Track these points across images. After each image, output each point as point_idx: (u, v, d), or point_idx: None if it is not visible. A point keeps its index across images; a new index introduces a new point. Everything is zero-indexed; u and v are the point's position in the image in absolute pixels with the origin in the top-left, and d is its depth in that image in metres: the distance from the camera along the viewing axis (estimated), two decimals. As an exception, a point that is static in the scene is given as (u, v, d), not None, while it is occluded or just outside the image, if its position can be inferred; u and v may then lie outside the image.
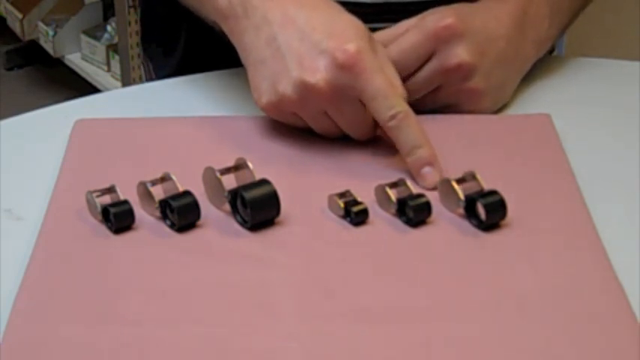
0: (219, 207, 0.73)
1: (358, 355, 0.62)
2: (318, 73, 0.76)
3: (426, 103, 0.86)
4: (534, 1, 0.89)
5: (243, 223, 0.72)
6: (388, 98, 0.76)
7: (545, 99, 0.91)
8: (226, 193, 0.72)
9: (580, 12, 0.96)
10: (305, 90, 0.76)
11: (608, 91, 0.93)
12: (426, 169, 0.77)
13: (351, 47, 0.76)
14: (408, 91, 0.85)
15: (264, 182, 0.72)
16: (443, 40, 0.83)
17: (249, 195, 0.71)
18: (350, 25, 0.78)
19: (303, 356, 0.61)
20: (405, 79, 0.84)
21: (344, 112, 0.78)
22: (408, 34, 0.84)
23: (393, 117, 0.77)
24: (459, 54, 0.83)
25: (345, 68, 0.76)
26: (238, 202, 0.72)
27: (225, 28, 0.83)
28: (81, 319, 0.64)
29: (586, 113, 0.89)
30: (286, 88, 0.77)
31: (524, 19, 0.88)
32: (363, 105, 0.77)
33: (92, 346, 0.62)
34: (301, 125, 0.81)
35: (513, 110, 0.88)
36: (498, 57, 0.86)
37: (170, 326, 0.63)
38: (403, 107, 0.77)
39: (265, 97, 0.79)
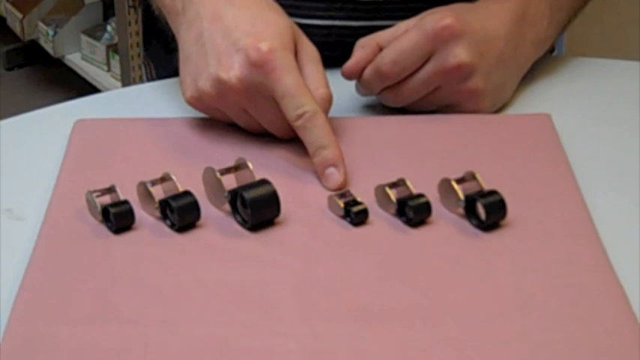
0: (219, 207, 0.73)
1: (358, 355, 0.62)
2: (231, 71, 0.77)
3: (426, 103, 0.86)
4: (533, 1, 0.89)
5: (243, 224, 0.72)
6: (296, 97, 0.76)
7: (545, 99, 0.91)
8: (226, 193, 0.72)
9: (580, 11, 0.96)
10: (220, 86, 0.78)
11: (608, 90, 0.93)
12: (330, 170, 0.77)
13: (264, 46, 0.77)
14: (408, 91, 0.85)
15: (264, 182, 0.72)
16: (442, 40, 0.83)
17: (249, 195, 0.71)
18: (271, 23, 0.79)
19: (303, 356, 0.61)
20: (404, 80, 0.84)
21: (260, 110, 0.79)
22: (407, 35, 0.84)
23: (299, 116, 0.77)
24: (458, 54, 0.83)
25: (257, 66, 0.76)
26: (238, 202, 0.72)
27: (170, 24, 0.86)
28: (81, 319, 0.64)
29: (586, 113, 0.89)
30: (205, 83, 0.79)
31: (523, 18, 0.88)
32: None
33: (92, 346, 0.62)
34: (227, 120, 0.82)
35: (513, 110, 0.88)
36: (498, 57, 0.86)
37: (170, 326, 0.63)
38: (311, 107, 0.77)
39: (189, 91, 0.81)
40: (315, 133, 0.77)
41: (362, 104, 0.89)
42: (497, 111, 0.88)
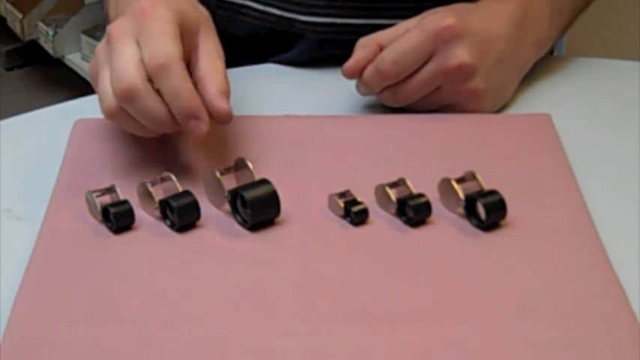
0: (219, 207, 0.73)
1: (358, 355, 0.62)
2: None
3: (426, 103, 0.86)
4: (535, 2, 0.89)
5: (243, 223, 0.72)
6: (155, 42, 0.73)
7: (545, 99, 0.91)
8: (226, 193, 0.72)
9: (581, 13, 0.96)
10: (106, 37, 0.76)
11: (608, 91, 0.93)
12: (192, 123, 0.73)
13: (146, 2, 0.75)
14: (409, 91, 0.85)
15: (264, 182, 0.72)
16: (443, 40, 0.83)
17: (249, 195, 0.71)
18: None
19: (303, 356, 0.61)
20: (405, 80, 0.84)
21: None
22: (408, 35, 0.83)
23: (153, 61, 0.73)
24: (460, 55, 0.83)
25: (135, 14, 0.75)
26: (238, 202, 0.72)
27: None
28: (81, 319, 0.64)
29: (586, 113, 0.89)
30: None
31: (524, 19, 0.88)
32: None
33: (92, 346, 0.62)
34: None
35: (513, 110, 0.88)
36: (498, 57, 0.86)
37: (170, 326, 0.63)
38: (168, 53, 0.73)
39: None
40: (168, 82, 0.72)
41: (362, 104, 0.89)
42: (498, 111, 0.88)
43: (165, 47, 0.72)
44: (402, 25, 0.85)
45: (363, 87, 0.86)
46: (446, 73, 0.83)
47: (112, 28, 0.74)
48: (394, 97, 0.86)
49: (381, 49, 0.84)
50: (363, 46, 0.85)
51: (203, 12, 0.79)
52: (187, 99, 0.72)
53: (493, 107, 0.87)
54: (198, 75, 0.75)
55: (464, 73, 0.83)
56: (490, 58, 0.85)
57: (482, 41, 0.84)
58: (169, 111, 0.72)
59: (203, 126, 0.72)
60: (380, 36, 0.85)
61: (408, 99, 0.86)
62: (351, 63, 0.85)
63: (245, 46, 1.00)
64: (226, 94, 0.75)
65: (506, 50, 0.86)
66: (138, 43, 0.73)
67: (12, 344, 0.62)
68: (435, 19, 0.83)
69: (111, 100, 0.73)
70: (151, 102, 0.72)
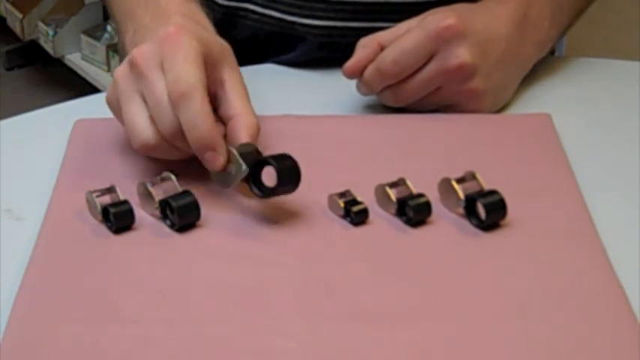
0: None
1: (358, 355, 0.61)
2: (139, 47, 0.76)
3: (427, 103, 0.86)
4: (535, 3, 0.89)
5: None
6: (177, 69, 0.73)
7: (545, 99, 0.91)
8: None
9: (582, 13, 0.96)
10: (129, 60, 0.76)
11: (608, 91, 0.93)
12: (209, 154, 0.73)
13: (172, 27, 0.75)
14: (409, 91, 0.85)
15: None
16: (444, 40, 0.83)
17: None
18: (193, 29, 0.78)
19: (303, 356, 0.61)
20: (405, 79, 0.84)
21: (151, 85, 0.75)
22: (409, 35, 0.83)
23: (174, 90, 0.72)
24: (460, 55, 0.83)
25: (160, 40, 0.75)
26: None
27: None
28: (81, 319, 0.64)
29: (586, 113, 0.89)
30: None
31: (524, 19, 0.88)
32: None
33: (92, 346, 0.62)
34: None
35: (513, 110, 0.88)
36: (499, 58, 0.86)
37: (170, 326, 0.63)
38: (190, 80, 0.72)
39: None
40: (188, 111, 0.71)
41: (362, 104, 0.89)
42: (498, 111, 0.88)
43: (189, 75, 0.72)
44: (403, 25, 0.85)
45: (364, 86, 0.86)
46: (447, 73, 0.83)
47: (136, 55, 0.74)
48: (395, 97, 0.86)
49: (382, 49, 0.84)
50: (364, 46, 0.85)
51: (225, 44, 0.79)
52: (206, 130, 0.71)
53: (493, 107, 0.87)
54: (228, 113, 0.76)
55: (465, 73, 0.83)
56: (491, 58, 0.85)
57: (483, 41, 0.84)
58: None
59: (220, 159, 0.72)
60: (381, 36, 0.85)
61: (408, 99, 0.86)
62: (351, 63, 0.85)
63: (245, 47, 1.00)
64: (256, 137, 0.75)
65: (506, 50, 0.86)
66: (162, 69, 0.73)
67: (12, 344, 0.62)
68: (436, 18, 0.83)
69: (149, 135, 0.73)
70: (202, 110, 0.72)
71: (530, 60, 0.91)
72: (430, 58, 0.83)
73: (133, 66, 0.74)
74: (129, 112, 0.74)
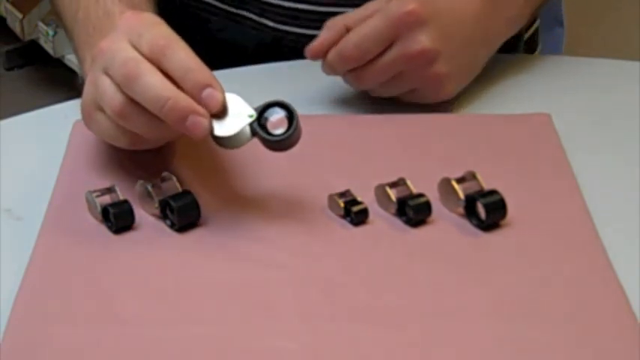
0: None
1: (358, 355, 0.62)
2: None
3: (390, 87, 0.85)
4: None
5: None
6: (153, 28, 0.72)
7: (545, 99, 0.91)
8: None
9: None
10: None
11: (608, 91, 0.93)
12: (207, 91, 0.70)
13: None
14: (371, 75, 0.84)
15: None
16: (405, 26, 0.82)
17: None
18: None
19: (303, 356, 0.61)
20: (367, 64, 0.83)
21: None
22: (371, 19, 0.83)
23: (156, 44, 0.71)
24: (422, 40, 0.82)
25: (127, 16, 0.74)
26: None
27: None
28: (81, 319, 0.64)
29: (586, 113, 0.89)
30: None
31: None
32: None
33: (92, 346, 0.62)
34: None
35: (513, 110, 0.88)
36: (465, 39, 0.85)
37: (170, 326, 0.63)
38: (168, 35, 0.72)
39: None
40: (175, 58, 0.70)
41: (362, 104, 0.89)
42: (498, 111, 0.88)
43: (164, 31, 0.72)
44: (370, 5, 0.85)
45: (327, 69, 0.86)
46: (408, 58, 0.83)
47: (100, 44, 0.73)
48: (357, 81, 0.86)
49: (348, 30, 0.84)
50: (329, 28, 0.85)
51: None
52: (200, 70, 0.70)
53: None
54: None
55: (426, 58, 0.83)
56: (455, 40, 0.84)
57: (448, 24, 0.84)
58: (175, 88, 0.69)
59: (219, 95, 0.70)
60: (347, 17, 0.85)
61: (370, 83, 0.85)
62: (314, 45, 0.85)
63: (241, 51, 1.00)
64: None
65: (474, 29, 0.86)
66: (131, 43, 0.71)
67: (12, 344, 0.62)
68: (398, 3, 0.83)
69: (116, 96, 0.70)
70: (157, 77, 0.69)
71: (501, 36, 0.90)
72: (393, 43, 0.83)
73: (98, 53, 0.73)
74: (100, 87, 0.72)
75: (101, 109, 0.73)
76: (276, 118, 0.71)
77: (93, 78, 0.73)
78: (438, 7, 0.84)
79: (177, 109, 0.68)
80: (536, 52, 1.14)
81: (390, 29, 0.82)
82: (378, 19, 0.83)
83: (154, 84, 0.69)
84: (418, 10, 0.82)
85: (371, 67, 0.84)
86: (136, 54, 0.70)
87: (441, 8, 0.84)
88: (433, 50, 0.83)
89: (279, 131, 0.71)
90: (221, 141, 0.71)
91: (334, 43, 0.84)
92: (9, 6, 2.85)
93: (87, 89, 0.74)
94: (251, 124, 0.70)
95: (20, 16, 2.80)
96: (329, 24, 0.85)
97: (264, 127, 0.71)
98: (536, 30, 1.13)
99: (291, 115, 0.71)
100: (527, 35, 1.09)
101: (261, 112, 0.71)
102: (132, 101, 0.70)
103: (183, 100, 0.68)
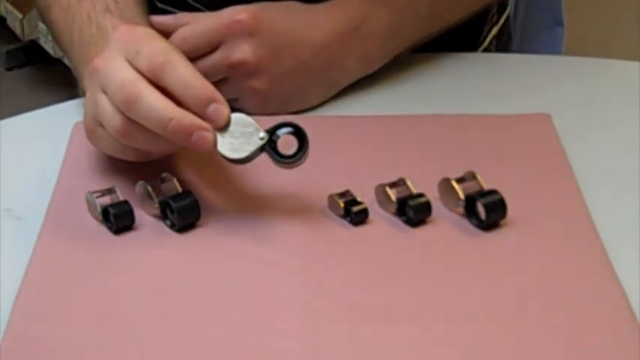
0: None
1: (358, 355, 0.62)
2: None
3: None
4: (373, 18, 0.88)
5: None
6: (154, 41, 0.73)
7: (545, 99, 0.91)
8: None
9: (430, 38, 0.94)
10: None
11: (608, 91, 0.93)
12: (213, 107, 0.70)
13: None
14: None
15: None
16: (232, 33, 0.83)
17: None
18: None
19: (303, 356, 0.61)
20: (192, 62, 0.83)
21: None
22: (205, 19, 0.84)
23: (157, 61, 0.71)
24: (244, 51, 0.83)
25: (122, 30, 0.74)
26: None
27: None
28: (81, 318, 0.64)
29: (586, 113, 0.89)
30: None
31: (355, 32, 0.87)
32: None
33: (92, 346, 0.62)
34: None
35: (513, 110, 0.88)
36: (298, 64, 0.85)
37: (170, 326, 0.63)
38: (169, 50, 0.72)
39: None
40: (175, 74, 0.70)
41: (363, 104, 0.89)
42: (498, 111, 0.88)
43: (162, 45, 0.72)
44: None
45: None
46: (227, 65, 0.83)
47: (95, 62, 0.73)
48: None
49: None
50: (175, 16, 0.86)
51: None
52: (201, 85, 0.70)
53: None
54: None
55: (245, 70, 0.83)
56: (285, 63, 0.84)
57: (280, 45, 0.84)
58: (176, 106, 0.69)
59: (225, 110, 0.70)
60: (198, 15, 0.85)
61: None
62: (157, 20, 0.86)
63: None
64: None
65: (313, 59, 0.85)
66: (128, 60, 0.71)
67: (12, 344, 0.62)
68: (233, 10, 0.83)
69: (116, 117, 0.70)
70: (157, 97, 0.69)
71: (350, 74, 0.89)
72: (218, 47, 0.84)
73: (94, 71, 0.73)
74: (100, 108, 0.71)
75: (103, 126, 0.73)
76: (286, 137, 0.71)
77: (92, 96, 0.73)
78: (274, 27, 0.84)
79: (181, 128, 0.68)
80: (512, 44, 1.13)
81: (217, 32, 0.83)
82: (210, 20, 0.84)
83: (154, 106, 0.69)
84: (246, 22, 0.83)
85: (195, 66, 0.83)
86: (132, 74, 0.70)
87: (278, 28, 0.84)
88: (253, 64, 0.83)
89: (290, 152, 0.71)
90: (231, 161, 0.71)
91: (171, 31, 0.84)
92: (9, 6, 2.85)
93: (87, 107, 0.75)
94: (262, 146, 0.71)
95: (20, 16, 2.80)
96: (180, 15, 0.86)
97: (274, 148, 0.71)
98: (506, 22, 1.11)
99: (301, 136, 0.71)
100: (496, 30, 1.08)
101: (272, 132, 0.71)
102: (133, 121, 0.70)
103: (187, 119, 0.69)
